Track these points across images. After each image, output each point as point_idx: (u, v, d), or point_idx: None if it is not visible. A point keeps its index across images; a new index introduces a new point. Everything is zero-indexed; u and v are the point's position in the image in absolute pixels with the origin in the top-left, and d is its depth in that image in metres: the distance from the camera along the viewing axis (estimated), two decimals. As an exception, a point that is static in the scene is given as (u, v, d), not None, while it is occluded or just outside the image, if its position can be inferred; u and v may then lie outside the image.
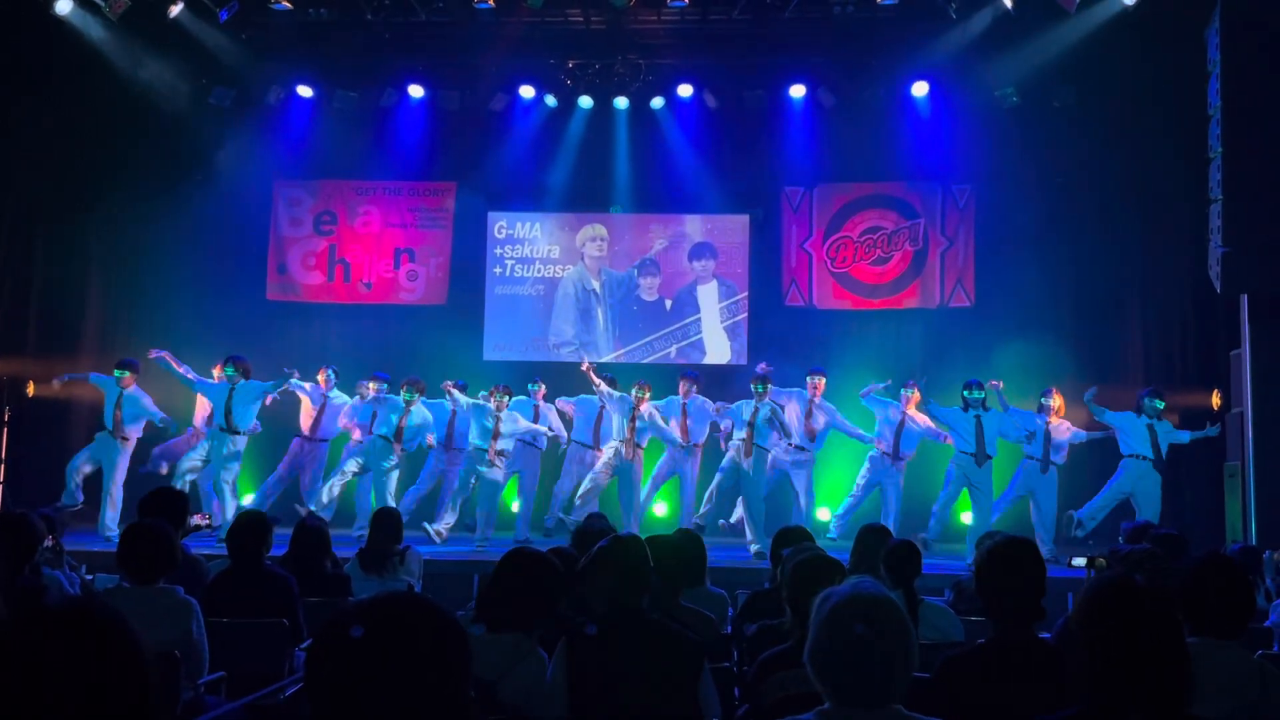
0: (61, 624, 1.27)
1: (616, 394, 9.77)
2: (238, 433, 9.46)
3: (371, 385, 10.13)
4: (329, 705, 1.44)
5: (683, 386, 9.86)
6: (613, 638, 3.12)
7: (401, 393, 9.89)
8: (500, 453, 9.57)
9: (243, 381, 9.53)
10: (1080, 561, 5.14)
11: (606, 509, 9.67)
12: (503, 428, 9.56)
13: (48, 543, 4.94)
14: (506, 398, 9.67)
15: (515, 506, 10.33)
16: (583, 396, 10.25)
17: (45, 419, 10.81)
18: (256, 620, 4.47)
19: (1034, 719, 2.11)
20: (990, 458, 9.29)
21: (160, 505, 5.17)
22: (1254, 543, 7.81)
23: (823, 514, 10.33)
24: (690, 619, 4.02)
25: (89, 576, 6.25)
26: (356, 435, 10.17)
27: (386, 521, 6.10)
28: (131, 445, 9.49)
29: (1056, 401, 9.47)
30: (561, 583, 3.38)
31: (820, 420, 9.80)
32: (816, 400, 9.79)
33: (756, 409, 9.38)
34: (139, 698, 1.29)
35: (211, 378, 9.85)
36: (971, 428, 9.26)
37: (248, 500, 10.88)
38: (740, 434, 9.44)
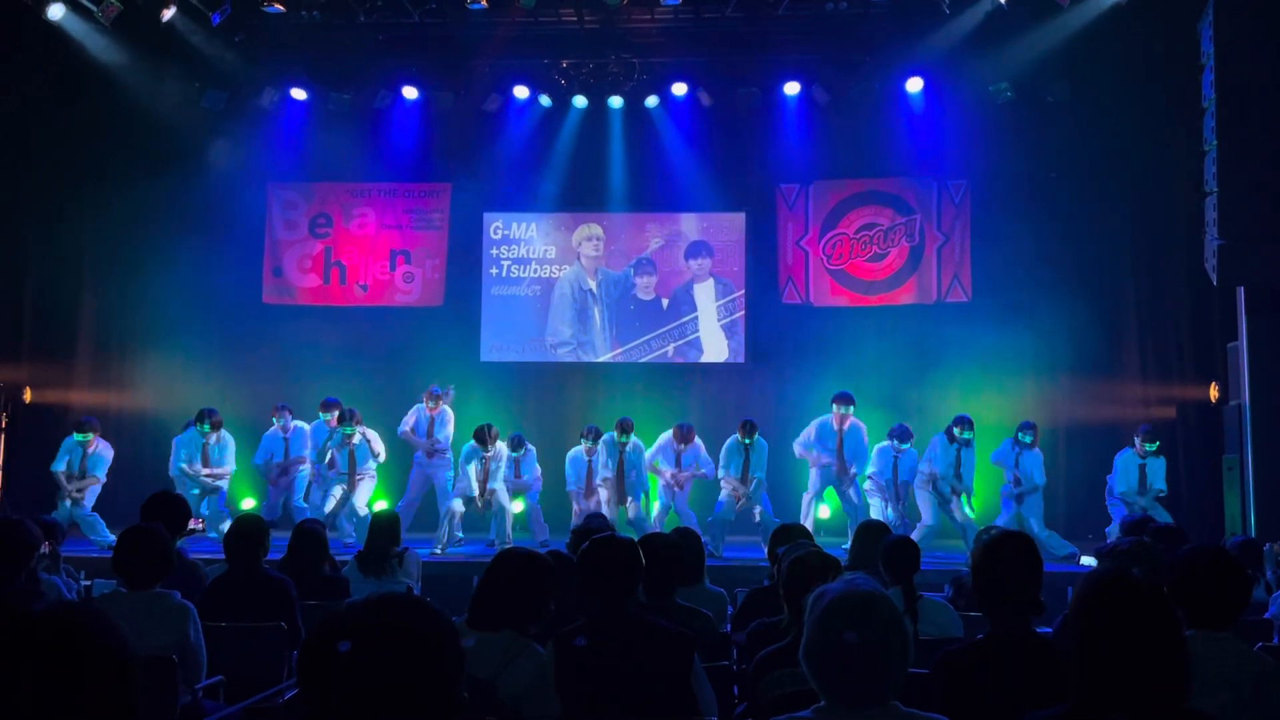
0: (42, 629, 1.27)
1: (600, 448, 9.77)
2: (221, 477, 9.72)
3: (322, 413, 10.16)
4: (316, 705, 1.44)
5: (676, 442, 9.79)
6: (597, 638, 3.12)
7: (341, 427, 9.78)
8: (491, 491, 9.59)
9: (213, 439, 9.71)
10: (1090, 560, 5.15)
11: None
12: (490, 469, 9.56)
13: (45, 549, 4.94)
14: (493, 439, 9.58)
15: (518, 506, 10.30)
16: (573, 454, 10.12)
17: (41, 425, 10.79)
18: (254, 624, 4.46)
19: (1028, 714, 2.10)
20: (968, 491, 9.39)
21: (159, 510, 5.17)
22: (1253, 535, 7.81)
23: (823, 512, 10.31)
24: (686, 617, 4.01)
25: (87, 582, 6.25)
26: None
27: (385, 524, 6.09)
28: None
29: (1035, 436, 9.45)
30: (554, 582, 3.38)
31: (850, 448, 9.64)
32: (846, 428, 9.63)
33: (747, 462, 9.44)
34: (123, 702, 1.28)
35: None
36: (952, 458, 9.37)
37: (247, 504, 10.90)
38: (732, 481, 9.51)
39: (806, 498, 9.75)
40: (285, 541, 5.65)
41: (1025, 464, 9.33)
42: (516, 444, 10.00)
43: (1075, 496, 10.50)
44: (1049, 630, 3.48)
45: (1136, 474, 9.24)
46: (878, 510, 9.53)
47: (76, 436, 9.51)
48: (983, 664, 2.77)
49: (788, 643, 3.18)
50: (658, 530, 9.23)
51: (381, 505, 10.17)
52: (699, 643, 3.35)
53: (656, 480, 9.91)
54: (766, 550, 5.60)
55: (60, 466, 9.48)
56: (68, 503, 9.35)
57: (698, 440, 9.84)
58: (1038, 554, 2.97)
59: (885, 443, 9.63)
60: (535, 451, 10.29)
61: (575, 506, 9.92)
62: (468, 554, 9.28)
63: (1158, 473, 9.26)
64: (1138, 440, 9.29)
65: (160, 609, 3.98)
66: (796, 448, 9.84)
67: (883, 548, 4.54)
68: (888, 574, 4.39)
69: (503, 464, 9.72)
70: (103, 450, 9.59)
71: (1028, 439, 9.34)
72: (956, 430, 9.37)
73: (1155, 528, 6.19)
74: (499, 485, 9.62)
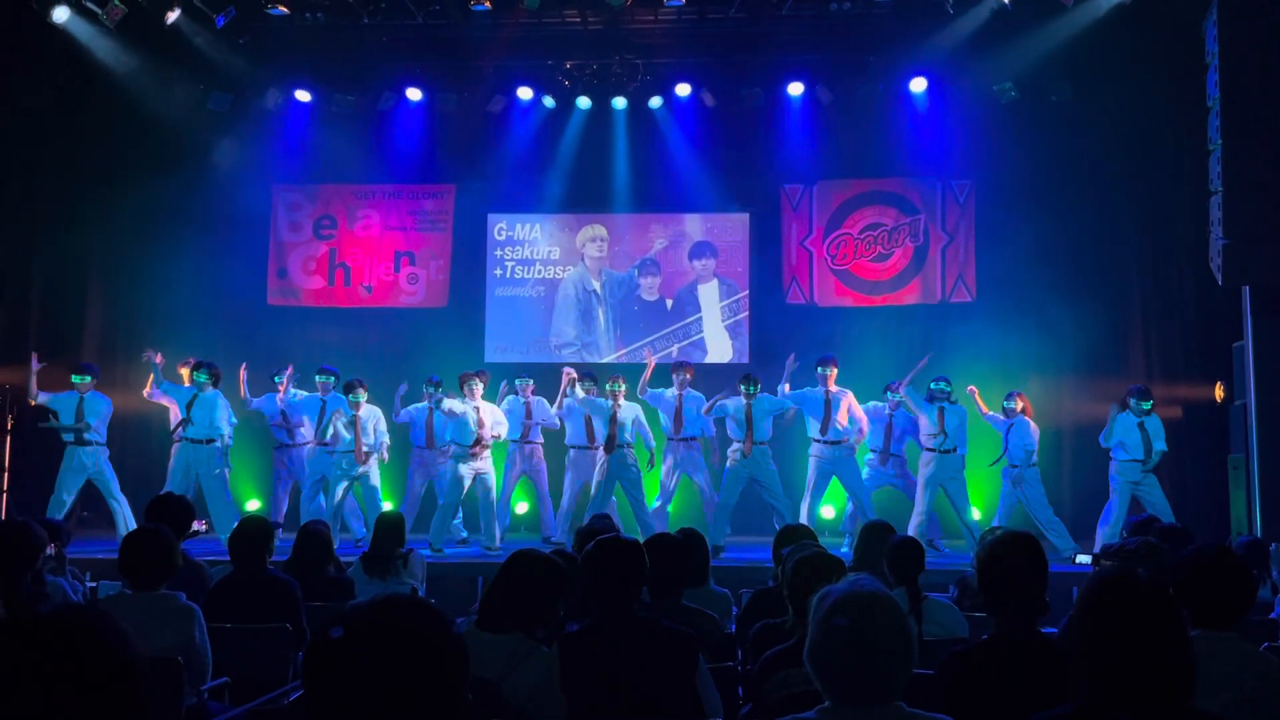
0: (43, 631, 1.27)
1: (589, 396, 9.63)
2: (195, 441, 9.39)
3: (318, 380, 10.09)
4: (320, 706, 1.44)
5: (676, 377, 9.74)
6: (601, 639, 3.12)
7: (348, 395, 9.64)
8: (484, 443, 9.44)
9: (208, 392, 9.44)
10: (1086, 559, 5.13)
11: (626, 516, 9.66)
12: (485, 416, 9.46)
13: (50, 551, 4.94)
14: (480, 385, 9.53)
15: (521, 508, 10.30)
16: (568, 404, 10.09)
17: (48, 428, 10.80)
18: (259, 625, 4.47)
19: (1033, 715, 2.10)
20: (955, 450, 9.35)
21: (163, 511, 5.18)
22: (1259, 535, 7.79)
23: (827, 511, 10.31)
24: (691, 618, 4.01)
25: (92, 584, 6.27)
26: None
27: (390, 525, 6.10)
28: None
29: (1020, 404, 9.47)
30: (564, 584, 3.38)
31: (842, 409, 9.50)
32: (832, 390, 9.54)
33: (749, 408, 9.34)
34: (126, 705, 1.28)
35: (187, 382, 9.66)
36: (934, 417, 9.35)
37: (252, 506, 10.92)
38: (738, 438, 9.41)
39: (804, 506, 9.56)
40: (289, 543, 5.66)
41: (1015, 434, 9.32)
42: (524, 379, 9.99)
43: (1080, 497, 10.48)
44: (1054, 631, 3.48)
45: (1138, 434, 9.05)
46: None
47: (74, 379, 9.27)
48: (988, 665, 2.77)
49: (792, 643, 3.18)
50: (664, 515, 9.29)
51: (387, 506, 10.18)
52: (704, 643, 3.36)
53: (660, 446, 9.81)
54: (772, 549, 5.60)
55: (43, 397, 9.24)
56: (78, 455, 9.16)
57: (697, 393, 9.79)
58: (1042, 554, 2.97)
59: (877, 403, 9.66)
60: (545, 402, 10.22)
61: (571, 470, 9.87)
62: (472, 555, 9.29)
63: (1158, 432, 9.09)
64: (1133, 401, 9.12)
65: (165, 610, 3.99)
66: (782, 389, 9.64)
67: (887, 548, 4.54)
68: (892, 575, 4.39)
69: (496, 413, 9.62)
70: (101, 398, 9.36)
71: (1015, 406, 9.35)
72: (932, 385, 9.40)
73: (1160, 528, 6.18)
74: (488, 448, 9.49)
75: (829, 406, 9.47)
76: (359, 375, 10.32)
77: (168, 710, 3.54)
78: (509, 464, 9.97)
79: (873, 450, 9.81)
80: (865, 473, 9.74)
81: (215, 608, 4.45)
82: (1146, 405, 9.11)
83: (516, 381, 10.14)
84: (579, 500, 9.81)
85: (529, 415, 9.99)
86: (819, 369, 9.60)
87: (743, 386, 9.44)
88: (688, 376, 9.76)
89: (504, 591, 3.30)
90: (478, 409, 9.45)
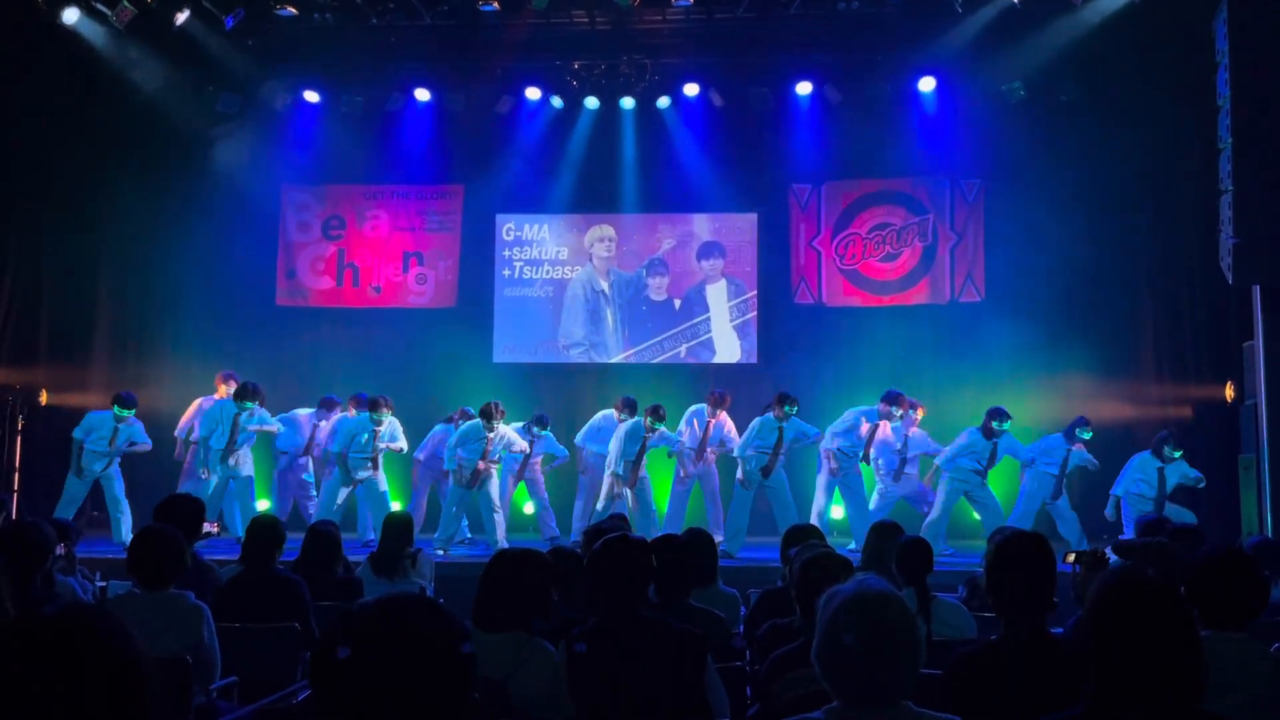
0: (44, 631, 1.27)
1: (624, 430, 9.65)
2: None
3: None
4: (328, 706, 1.45)
5: (711, 408, 9.75)
6: (608, 640, 3.11)
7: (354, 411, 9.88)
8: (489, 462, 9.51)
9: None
10: (1070, 558, 5.12)
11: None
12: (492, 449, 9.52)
13: (59, 550, 4.96)
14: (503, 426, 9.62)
15: (529, 509, 10.31)
16: (602, 416, 10.20)
17: (58, 428, 10.84)
18: (268, 625, 4.48)
19: (1041, 716, 2.09)
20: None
21: (174, 512, 5.17)
22: (1270, 535, 7.75)
23: (835, 512, 10.30)
24: (699, 618, 4.01)
25: (102, 583, 6.28)
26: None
27: (398, 525, 6.10)
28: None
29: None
30: (552, 578, 3.37)
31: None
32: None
33: (781, 429, 9.38)
34: (129, 705, 1.28)
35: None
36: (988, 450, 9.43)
37: (261, 505, 10.94)
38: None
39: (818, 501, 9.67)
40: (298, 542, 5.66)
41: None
42: (542, 423, 10.00)
43: (1089, 497, 10.43)
44: (1061, 631, 3.47)
45: (1155, 475, 9.17)
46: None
47: (118, 411, 9.29)
48: (996, 665, 2.76)
49: (800, 644, 3.17)
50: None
51: (395, 507, 10.20)
52: (712, 643, 3.35)
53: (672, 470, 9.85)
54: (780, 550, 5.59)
55: (79, 434, 9.30)
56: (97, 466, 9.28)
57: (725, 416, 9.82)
58: (1050, 554, 2.95)
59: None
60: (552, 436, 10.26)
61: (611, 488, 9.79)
62: (481, 555, 9.29)
63: (1176, 473, 9.20)
64: (1166, 449, 9.18)
65: (174, 610, 3.99)
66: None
67: (896, 549, 4.53)
68: (901, 575, 4.38)
69: (503, 445, 9.64)
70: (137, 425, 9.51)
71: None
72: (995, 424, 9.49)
73: (1174, 528, 6.15)
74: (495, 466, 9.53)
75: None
76: (367, 376, 10.51)
77: (176, 709, 3.54)
78: (514, 471, 9.97)
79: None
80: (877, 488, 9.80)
81: (224, 607, 4.46)
82: (1177, 454, 9.20)
83: (535, 428, 10.06)
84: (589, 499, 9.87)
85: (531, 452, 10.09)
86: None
87: (785, 408, 9.41)
88: (726, 405, 9.84)
89: (490, 594, 3.30)
90: (489, 439, 9.49)
